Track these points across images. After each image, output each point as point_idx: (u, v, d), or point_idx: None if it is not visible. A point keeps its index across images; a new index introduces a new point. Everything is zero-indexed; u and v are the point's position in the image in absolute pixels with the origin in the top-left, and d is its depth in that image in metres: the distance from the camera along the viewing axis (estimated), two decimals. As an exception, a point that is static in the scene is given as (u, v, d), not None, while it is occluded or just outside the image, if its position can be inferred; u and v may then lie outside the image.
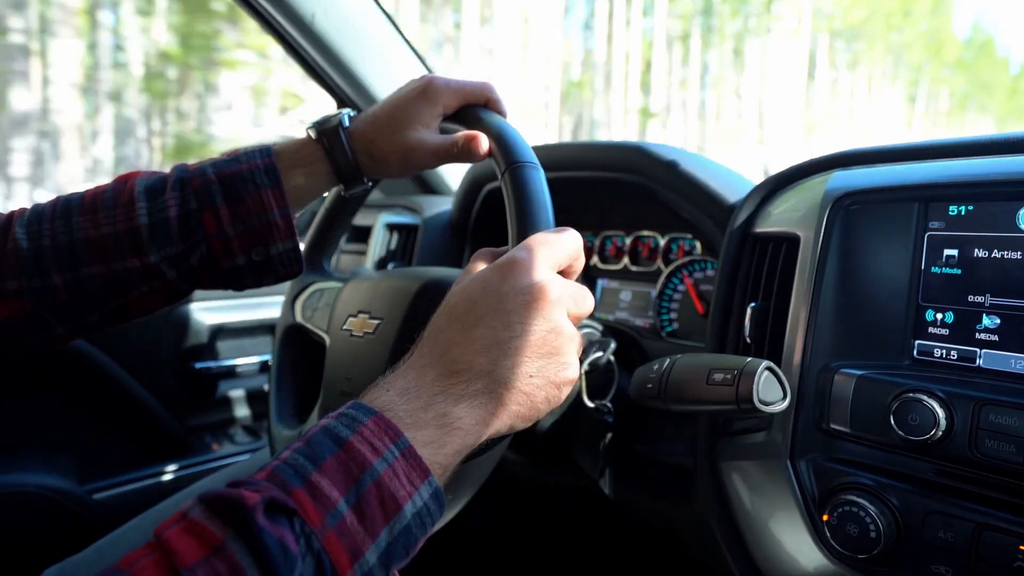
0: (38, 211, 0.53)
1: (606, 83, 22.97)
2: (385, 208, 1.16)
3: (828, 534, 0.52)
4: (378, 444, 0.34)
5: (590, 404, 0.69)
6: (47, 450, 1.07)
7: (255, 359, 1.30)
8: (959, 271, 0.52)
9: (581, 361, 0.57)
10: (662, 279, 0.88)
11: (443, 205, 1.12)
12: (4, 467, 1.00)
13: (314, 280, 0.77)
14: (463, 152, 0.55)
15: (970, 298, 0.51)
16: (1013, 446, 0.45)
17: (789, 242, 0.61)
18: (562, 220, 0.47)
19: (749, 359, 0.51)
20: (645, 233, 0.93)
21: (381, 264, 1.11)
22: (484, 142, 0.54)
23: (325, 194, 0.75)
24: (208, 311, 1.24)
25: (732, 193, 0.76)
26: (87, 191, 0.54)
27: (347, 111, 0.58)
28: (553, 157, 0.88)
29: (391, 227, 1.13)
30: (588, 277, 0.98)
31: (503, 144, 0.53)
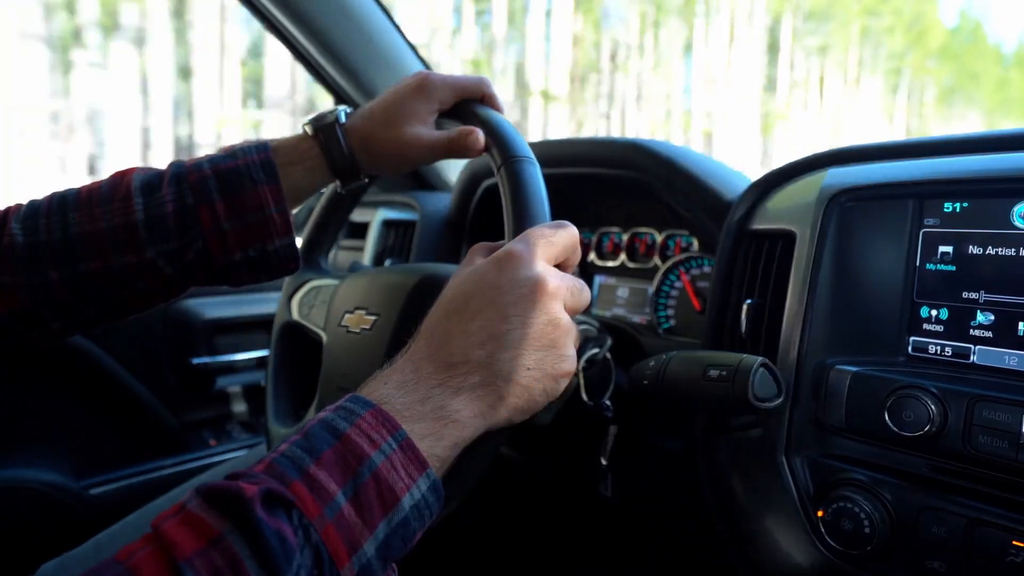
0: (34, 207, 0.52)
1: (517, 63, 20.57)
2: (382, 204, 1.16)
3: (823, 530, 0.52)
4: (376, 437, 0.34)
5: (589, 402, 0.69)
6: (44, 445, 1.07)
7: (253, 355, 1.30)
8: (954, 268, 0.52)
9: (578, 356, 0.57)
10: (659, 276, 0.89)
11: (441, 201, 1.12)
12: (1, 462, 1.00)
13: (311, 277, 0.77)
14: (459, 147, 0.56)
15: (964, 295, 0.52)
16: (1006, 442, 0.45)
17: (785, 239, 0.61)
18: (559, 216, 0.47)
19: (744, 356, 0.52)
20: (642, 230, 0.94)
21: (379, 260, 1.11)
22: (480, 137, 0.54)
23: (322, 190, 0.75)
24: (206, 306, 1.24)
25: (729, 190, 0.76)
26: (83, 187, 0.54)
27: (343, 107, 0.58)
28: (551, 153, 0.88)
29: (388, 223, 1.13)
30: (585, 273, 0.98)
31: (499, 139, 0.53)
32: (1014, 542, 0.44)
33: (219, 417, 1.32)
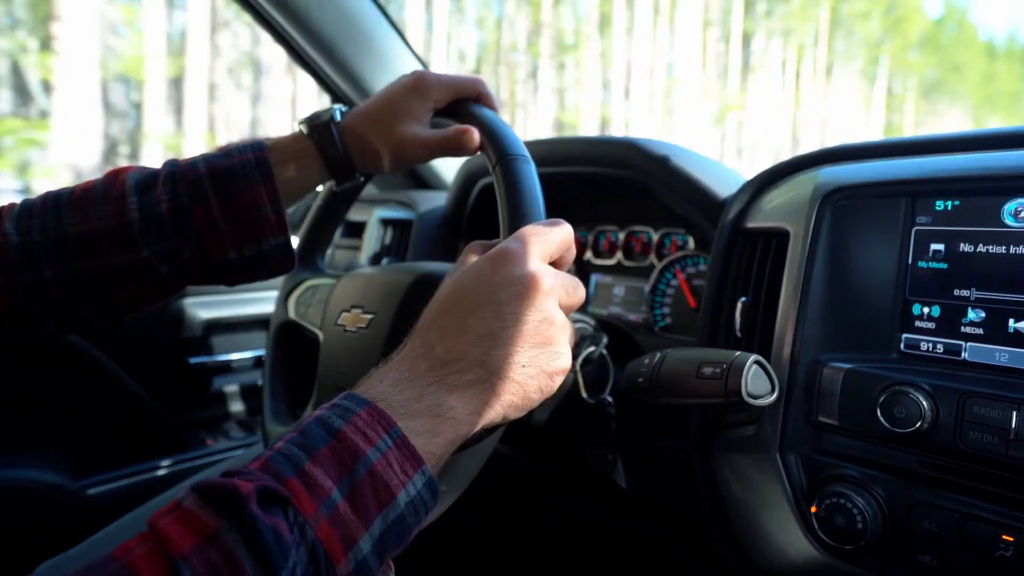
0: (28, 206, 0.52)
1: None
2: (379, 203, 1.16)
3: (816, 525, 0.53)
4: (371, 434, 0.34)
5: (589, 400, 0.69)
6: (41, 445, 1.07)
7: (250, 354, 1.30)
8: (945, 265, 0.53)
9: (574, 353, 0.57)
10: (655, 274, 0.89)
11: (437, 200, 1.12)
12: (-3, 462, 1.00)
13: (307, 277, 0.77)
14: (454, 146, 0.56)
15: (956, 292, 0.52)
16: (996, 438, 0.46)
17: (779, 237, 0.61)
18: (555, 215, 0.47)
19: (738, 353, 0.52)
20: (638, 228, 0.94)
21: (375, 259, 1.12)
22: (475, 136, 0.55)
23: (319, 189, 0.75)
24: (202, 306, 1.24)
25: (724, 188, 0.76)
26: (77, 186, 0.54)
27: (339, 106, 0.58)
28: (547, 152, 0.88)
29: (385, 222, 1.13)
30: (582, 272, 0.99)
31: (494, 138, 0.53)
32: (1004, 536, 0.44)
33: (216, 417, 1.32)
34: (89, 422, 1.13)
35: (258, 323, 1.32)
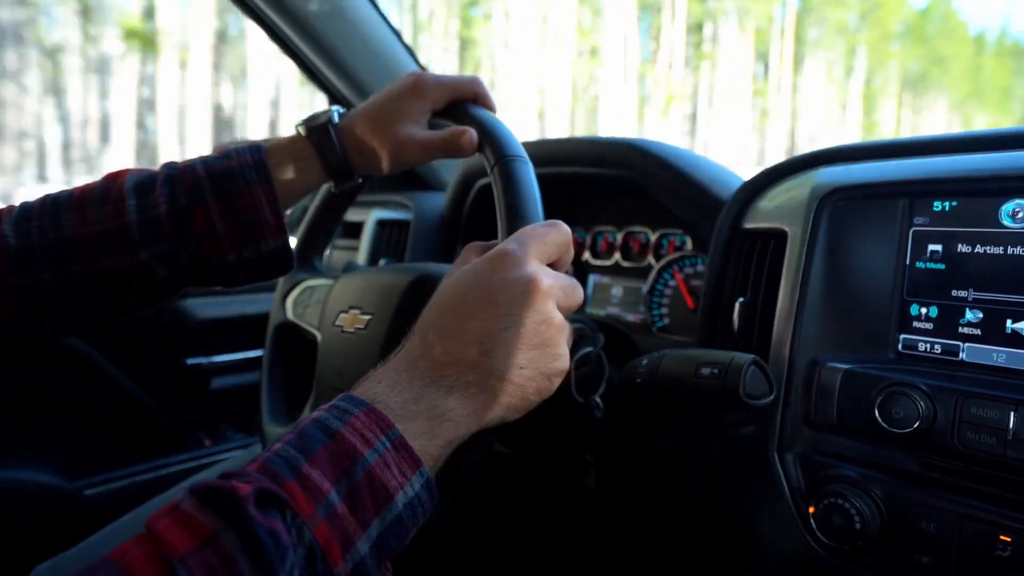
0: (26, 208, 0.52)
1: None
2: (377, 204, 1.16)
3: (814, 525, 0.53)
4: (369, 435, 0.34)
5: (579, 399, 0.69)
6: (39, 446, 1.07)
7: (247, 355, 1.30)
8: (943, 266, 0.53)
9: (572, 354, 0.57)
10: (653, 275, 0.89)
11: (435, 201, 1.12)
12: (-5, 464, 1.00)
13: (305, 277, 0.77)
14: (452, 147, 0.56)
15: (953, 293, 0.52)
16: (994, 438, 0.46)
17: (777, 238, 0.61)
18: (553, 216, 0.47)
19: (736, 354, 0.52)
20: (636, 229, 0.94)
21: (373, 260, 1.11)
22: (473, 137, 0.55)
23: (317, 190, 0.75)
24: (200, 306, 1.24)
25: (722, 189, 0.76)
26: (75, 188, 0.54)
27: (337, 108, 0.58)
28: (545, 153, 0.88)
29: (383, 223, 1.13)
30: (580, 272, 0.99)
31: (492, 139, 0.53)
32: (1001, 536, 0.44)
33: (214, 417, 1.32)
34: (87, 422, 1.13)
35: (256, 323, 1.32)
